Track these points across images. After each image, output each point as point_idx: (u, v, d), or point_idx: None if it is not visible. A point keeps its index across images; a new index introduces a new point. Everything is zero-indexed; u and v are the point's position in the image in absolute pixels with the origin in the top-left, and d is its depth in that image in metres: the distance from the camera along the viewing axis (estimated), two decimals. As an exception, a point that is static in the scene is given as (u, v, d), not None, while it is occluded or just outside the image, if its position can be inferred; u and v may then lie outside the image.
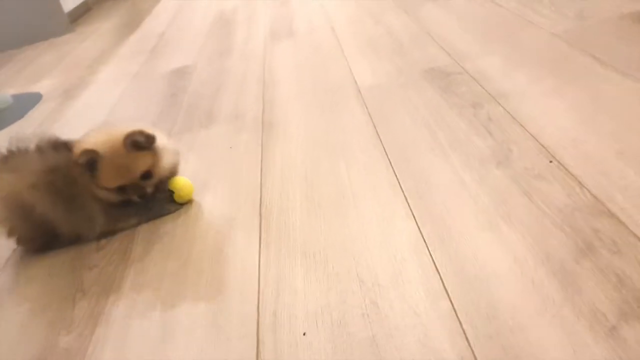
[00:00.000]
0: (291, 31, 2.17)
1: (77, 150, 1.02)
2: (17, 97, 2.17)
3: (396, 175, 1.06)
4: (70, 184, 1.04)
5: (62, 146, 1.06)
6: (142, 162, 1.03)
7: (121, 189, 1.04)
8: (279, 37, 2.14)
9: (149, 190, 1.06)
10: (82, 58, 2.55)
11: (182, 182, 1.14)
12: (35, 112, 1.99)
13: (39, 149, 1.05)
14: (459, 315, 0.73)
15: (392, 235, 0.91)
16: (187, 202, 1.15)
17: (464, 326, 0.72)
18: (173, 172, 1.12)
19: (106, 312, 0.91)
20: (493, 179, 0.98)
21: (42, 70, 2.53)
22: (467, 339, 0.70)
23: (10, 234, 1.10)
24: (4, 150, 1.07)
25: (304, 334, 0.76)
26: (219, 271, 0.94)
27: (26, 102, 2.08)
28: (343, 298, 0.81)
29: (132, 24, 3.01)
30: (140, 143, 1.02)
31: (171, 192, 1.13)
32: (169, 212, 1.12)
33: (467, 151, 1.08)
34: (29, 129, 1.86)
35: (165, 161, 1.07)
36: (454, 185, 0.99)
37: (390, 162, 1.11)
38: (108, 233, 1.10)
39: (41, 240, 1.10)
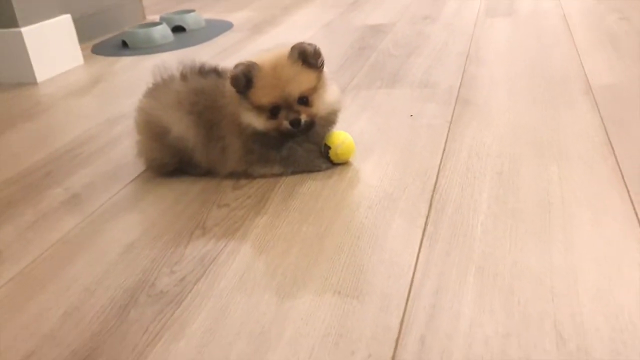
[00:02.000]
0: (511, 10, 1.86)
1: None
2: (210, 22, 2.19)
3: (633, 204, 0.76)
4: (213, 110, 0.95)
5: (211, 72, 0.98)
6: (304, 79, 0.90)
7: (274, 110, 0.90)
8: (495, 13, 1.85)
9: (303, 120, 0.89)
10: (281, -1, 2.48)
11: (342, 138, 0.95)
12: (223, 39, 1.97)
13: (183, 76, 0.98)
14: None
15: (616, 283, 0.62)
16: (343, 163, 0.96)
17: None
18: (331, 118, 0.95)
19: (219, 263, 0.75)
20: None
21: (238, 3, 2.51)
22: None
23: (140, 154, 1.02)
24: (152, 82, 1.01)
25: (459, 387, 0.52)
26: (360, 257, 0.72)
27: (217, 28, 2.09)
28: (527, 353, 0.54)
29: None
30: (308, 54, 0.89)
31: (327, 148, 0.94)
32: (319, 169, 0.95)
33: None
34: (214, 51, 1.81)
35: (328, 96, 0.92)
36: None
37: (626, 184, 0.80)
38: (245, 175, 0.96)
39: (172, 166, 0.99)
